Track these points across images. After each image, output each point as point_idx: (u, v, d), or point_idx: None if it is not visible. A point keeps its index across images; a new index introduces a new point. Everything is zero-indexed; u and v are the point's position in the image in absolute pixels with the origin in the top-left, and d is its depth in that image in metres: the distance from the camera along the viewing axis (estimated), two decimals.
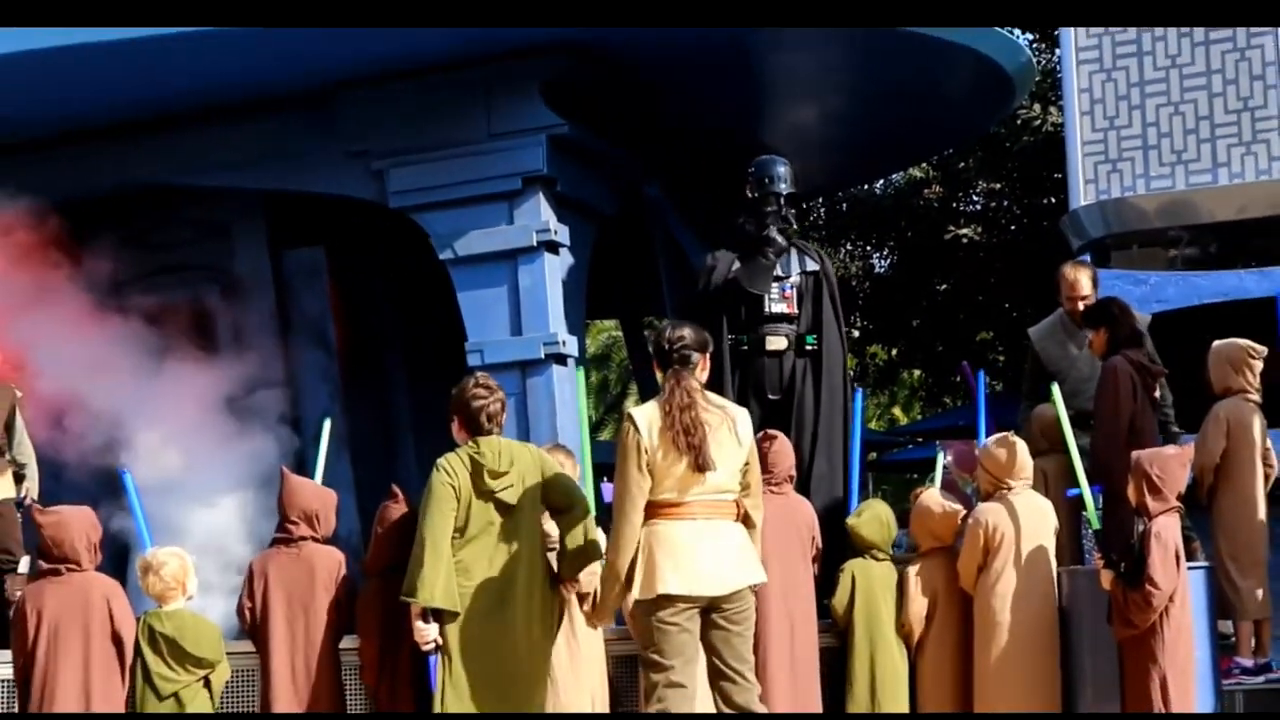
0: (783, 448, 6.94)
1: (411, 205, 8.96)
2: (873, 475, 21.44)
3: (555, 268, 8.79)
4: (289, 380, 10.36)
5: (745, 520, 5.44)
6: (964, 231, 20.00)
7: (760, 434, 6.71)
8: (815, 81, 9.63)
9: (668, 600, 5.24)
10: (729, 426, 5.35)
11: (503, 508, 5.60)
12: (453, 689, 5.48)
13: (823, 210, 21.02)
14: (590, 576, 5.96)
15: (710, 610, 5.31)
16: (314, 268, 10.31)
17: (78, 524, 5.89)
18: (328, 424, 7.75)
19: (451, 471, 5.61)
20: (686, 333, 5.44)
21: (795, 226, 8.25)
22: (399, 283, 10.97)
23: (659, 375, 5.47)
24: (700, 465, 5.22)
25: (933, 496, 6.99)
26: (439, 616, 5.54)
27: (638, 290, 11.83)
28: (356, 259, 10.66)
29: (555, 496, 5.71)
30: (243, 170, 9.37)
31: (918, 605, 6.69)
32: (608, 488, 8.00)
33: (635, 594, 5.29)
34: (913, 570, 6.77)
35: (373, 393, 10.89)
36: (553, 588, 5.75)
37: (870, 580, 6.77)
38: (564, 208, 8.92)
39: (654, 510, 5.29)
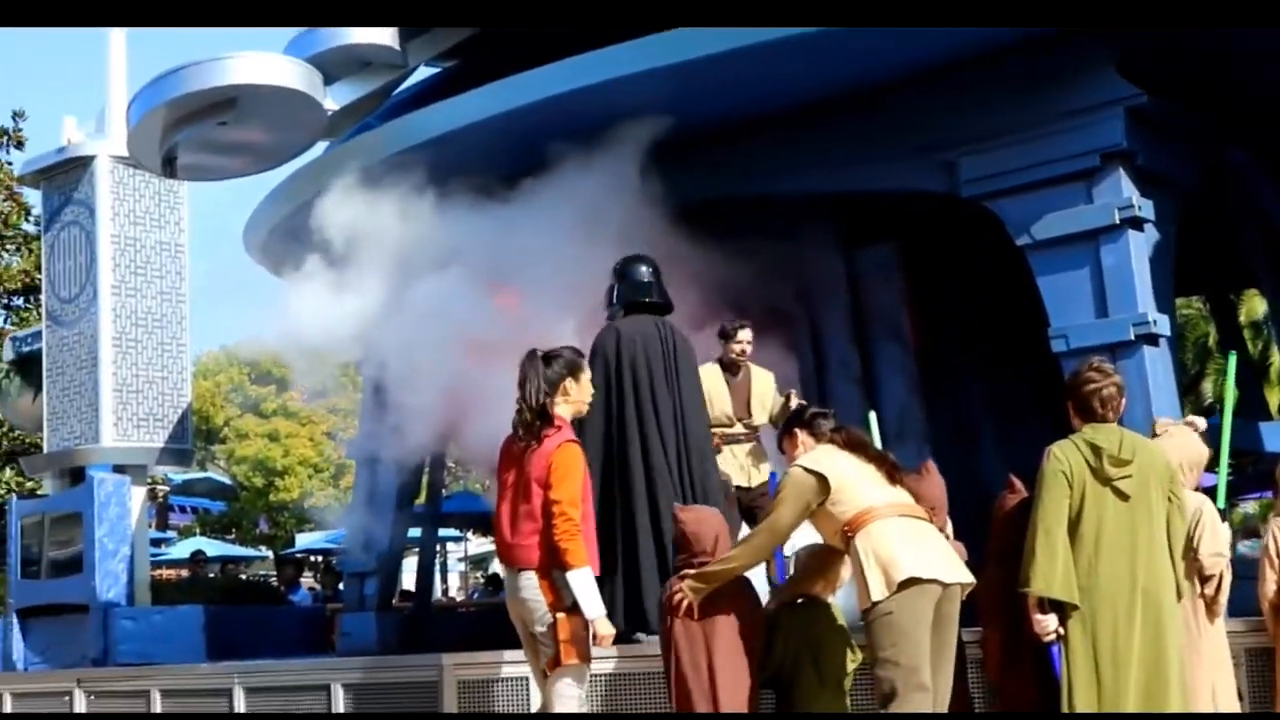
0: None
1: (984, 193, 8.83)
2: None
3: (1140, 245, 8.41)
4: (866, 376, 10.51)
5: None
6: None
7: None
8: None
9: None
10: None
11: (1121, 496, 5.45)
12: (1081, 685, 5.36)
13: None
14: (1214, 559, 5.77)
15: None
16: (886, 264, 10.40)
17: (714, 522, 6.18)
18: (873, 416, 7.96)
19: (1063, 458, 5.51)
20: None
21: None
22: (971, 273, 10.88)
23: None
24: None
25: None
26: (1058, 606, 5.45)
27: (1222, 264, 11.21)
28: (927, 252, 10.64)
29: None
30: (814, 174, 9.55)
31: None
32: None
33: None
34: None
35: (949, 384, 10.86)
36: (1176, 580, 5.54)
37: None
38: (1145, 182, 8.53)
39: None
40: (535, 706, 6.10)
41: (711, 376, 8.55)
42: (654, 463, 7.78)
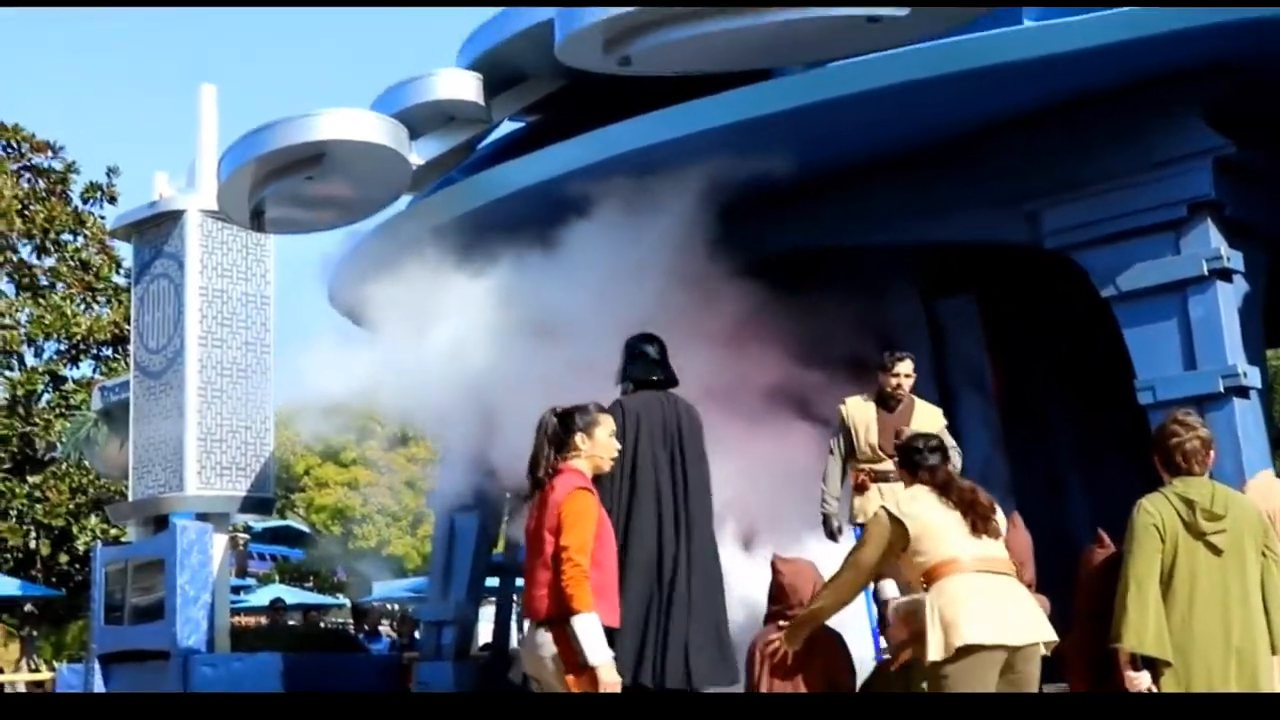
0: None
1: (1068, 244, 8.80)
2: None
3: (1229, 296, 8.32)
4: (949, 427, 10.41)
5: None
6: None
7: None
8: None
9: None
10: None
11: (1214, 551, 5.37)
12: None
13: None
14: None
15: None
16: (968, 314, 10.34)
17: (811, 574, 6.15)
18: None
19: (1154, 511, 5.43)
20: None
21: None
22: (1054, 323, 10.79)
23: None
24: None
25: None
26: (1150, 663, 5.37)
27: None
28: (1009, 303, 10.58)
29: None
30: (896, 225, 9.56)
31: None
32: None
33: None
34: None
35: (1034, 436, 10.76)
36: (1271, 637, 5.45)
37: None
38: (1233, 233, 8.46)
39: None
40: None
41: (861, 409, 8.22)
42: (651, 529, 7.83)
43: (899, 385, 8.24)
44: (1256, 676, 5.31)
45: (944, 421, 8.26)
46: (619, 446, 5.94)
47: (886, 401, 8.25)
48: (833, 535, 8.08)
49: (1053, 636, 5.47)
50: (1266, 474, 6.63)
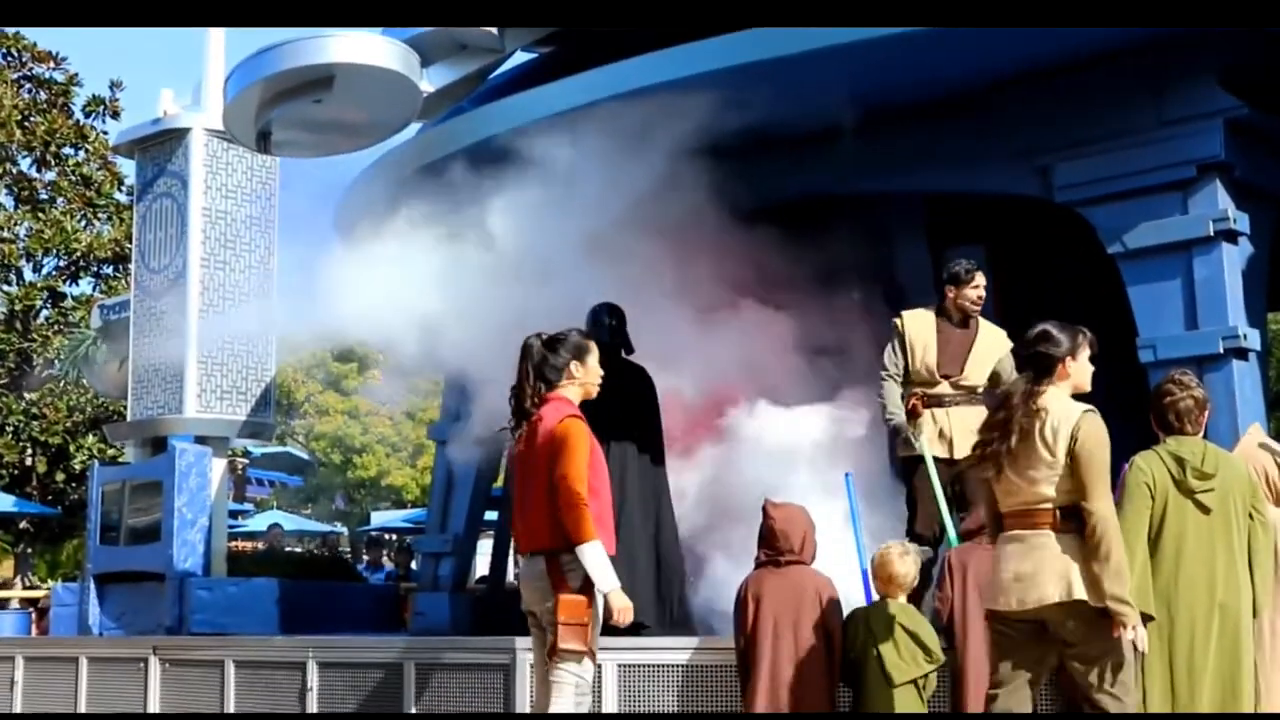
0: None
1: (1078, 200, 8.77)
2: None
3: (1234, 258, 8.29)
4: None
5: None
6: None
7: None
8: None
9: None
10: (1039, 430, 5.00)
11: (1202, 509, 5.41)
12: (1156, 696, 5.33)
13: None
14: None
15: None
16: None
17: (803, 520, 6.17)
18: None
19: (1146, 469, 5.49)
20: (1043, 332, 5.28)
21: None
22: (1062, 280, 10.77)
23: None
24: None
25: None
26: None
27: None
28: (1017, 256, 10.55)
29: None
30: (907, 174, 9.51)
31: None
32: None
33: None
34: None
35: None
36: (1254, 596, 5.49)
37: None
38: (1242, 195, 8.42)
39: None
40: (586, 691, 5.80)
41: (921, 323, 7.59)
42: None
43: (980, 298, 7.62)
44: (1239, 633, 5.37)
45: (1009, 345, 7.10)
46: (602, 373, 5.93)
47: (952, 316, 7.60)
48: (907, 441, 7.50)
49: (1054, 598, 5.00)
50: (1255, 430, 6.62)
